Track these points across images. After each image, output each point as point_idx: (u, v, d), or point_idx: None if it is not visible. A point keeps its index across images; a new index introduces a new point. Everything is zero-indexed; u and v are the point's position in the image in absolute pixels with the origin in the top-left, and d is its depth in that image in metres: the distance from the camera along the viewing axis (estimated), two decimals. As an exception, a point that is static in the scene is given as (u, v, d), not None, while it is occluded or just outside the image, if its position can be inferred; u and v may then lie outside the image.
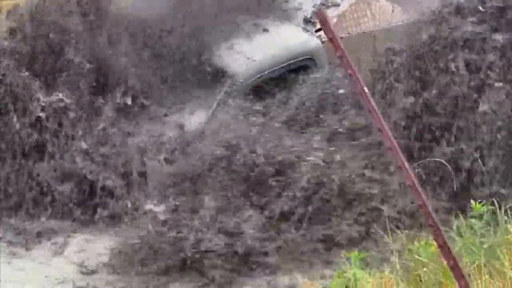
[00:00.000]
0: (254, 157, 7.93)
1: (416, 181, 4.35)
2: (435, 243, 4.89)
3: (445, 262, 5.37)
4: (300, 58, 8.96)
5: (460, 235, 6.18)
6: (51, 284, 7.42)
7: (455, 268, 4.35)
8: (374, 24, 9.67)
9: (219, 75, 9.09)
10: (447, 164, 8.94)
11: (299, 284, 6.82)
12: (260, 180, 7.84)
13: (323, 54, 8.99)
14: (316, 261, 7.58)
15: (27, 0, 8.96)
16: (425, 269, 5.84)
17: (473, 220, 6.22)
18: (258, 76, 8.80)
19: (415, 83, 8.32)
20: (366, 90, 4.43)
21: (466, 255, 5.81)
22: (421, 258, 5.90)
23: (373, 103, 4.43)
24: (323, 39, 8.90)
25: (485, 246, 5.86)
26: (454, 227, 6.42)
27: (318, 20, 4.47)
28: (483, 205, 6.24)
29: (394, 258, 6.11)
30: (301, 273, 7.40)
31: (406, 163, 4.36)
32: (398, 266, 6.03)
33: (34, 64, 8.48)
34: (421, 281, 5.86)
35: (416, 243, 6.10)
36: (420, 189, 4.35)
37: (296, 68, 9.02)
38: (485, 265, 5.60)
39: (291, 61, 8.94)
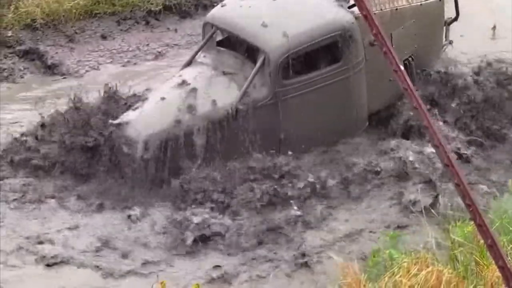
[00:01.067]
0: None
1: (453, 160, 4.29)
2: (472, 222, 4.85)
3: (482, 242, 5.33)
4: (333, 34, 8.90)
5: (498, 215, 6.10)
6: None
7: (493, 247, 4.29)
8: (406, 1, 9.58)
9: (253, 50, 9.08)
10: (484, 142, 8.92)
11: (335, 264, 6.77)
12: None
13: (356, 30, 8.92)
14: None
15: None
16: (461, 248, 5.78)
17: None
18: (291, 52, 8.75)
19: None
20: (402, 68, 4.38)
21: (503, 235, 5.74)
22: (457, 238, 5.84)
23: (409, 81, 4.38)
24: (356, 15, 8.82)
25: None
26: (492, 207, 6.35)
27: (352, -2, 4.41)
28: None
29: (430, 238, 6.05)
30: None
31: (443, 142, 4.31)
32: (434, 246, 5.98)
33: None
34: (457, 260, 5.80)
35: (452, 222, 6.04)
36: (457, 168, 4.29)
37: (329, 44, 8.98)
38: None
39: (324, 37, 8.87)
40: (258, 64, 8.73)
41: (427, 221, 6.73)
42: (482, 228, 4.28)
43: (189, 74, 9.09)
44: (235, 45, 9.27)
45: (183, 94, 8.78)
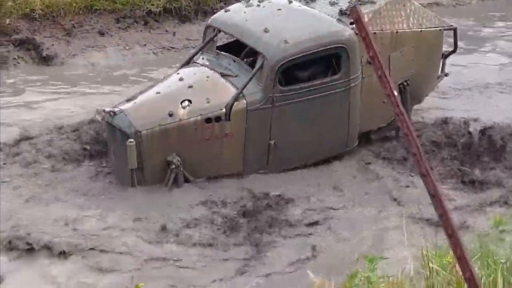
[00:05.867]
0: None
1: (438, 190, 4.27)
2: (451, 252, 4.83)
3: (460, 273, 5.31)
4: (333, 46, 8.92)
5: (478, 246, 6.09)
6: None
7: (471, 281, 4.28)
8: (407, 25, 9.59)
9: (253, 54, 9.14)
10: (470, 171, 8.95)
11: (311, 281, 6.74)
12: None
13: (356, 45, 8.93)
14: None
15: None
16: (439, 278, 5.76)
17: (492, 232, 6.15)
18: (290, 59, 8.77)
19: None
20: (396, 94, 4.36)
21: (482, 267, 5.73)
22: (435, 267, 5.82)
23: (401, 107, 4.36)
24: (356, 31, 8.84)
25: (502, 260, 5.77)
26: (472, 238, 6.34)
27: (352, 17, 4.39)
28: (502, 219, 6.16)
29: (409, 264, 6.03)
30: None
31: (430, 171, 4.29)
32: (411, 273, 5.96)
33: None
34: (434, 289, 5.78)
35: (433, 250, 6.01)
36: (441, 199, 4.27)
37: (328, 55, 9.00)
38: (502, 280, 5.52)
39: (324, 48, 8.90)
40: (256, 67, 8.75)
41: (407, 246, 6.71)
42: (461, 260, 4.27)
43: (186, 72, 9.14)
44: (235, 53, 9.31)
45: (179, 90, 8.83)
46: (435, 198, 4.24)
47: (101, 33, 12.30)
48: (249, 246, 7.90)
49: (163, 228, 8.01)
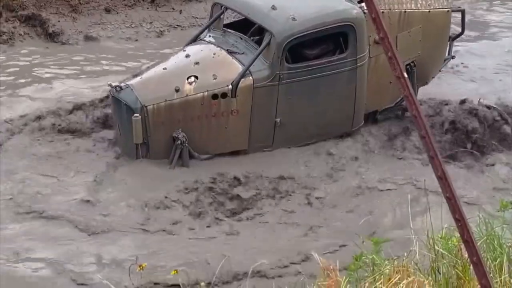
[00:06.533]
0: None
1: (446, 173, 4.24)
2: (457, 235, 4.81)
3: (465, 256, 5.29)
4: (341, 24, 8.87)
5: (484, 230, 6.06)
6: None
7: (478, 265, 4.25)
8: (415, 5, 9.53)
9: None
10: (478, 154, 8.93)
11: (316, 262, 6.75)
12: None
13: (364, 24, 8.89)
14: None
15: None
16: (444, 261, 5.74)
17: (498, 216, 6.11)
18: (297, 36, 8.72)
19: None
20: (405, 75, 4.32)
21: (488, 251, 5.71)
22: (441, 250, 5.80)
23: (411, 89, 4.32)
24: (364, 10, 8.81)
25: (509, 244, 5.75)
26: (478, 221, 6.30)
27: (362, -2, 4.35)
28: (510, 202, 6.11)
29: (415, 247, 6.01)
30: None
31: (438, 153, 4.26)
32: (417, 255, 5.93)
33: None
34: (439, 272, 5.76)
35: (439, 233, 5.99)
36: (449, 182, 4.24)
37: (336, 33, 8.95)
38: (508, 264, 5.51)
39: (332, 25, 8.85)
40: (263, 44, 8.73)
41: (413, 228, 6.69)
42: (469, 244, 4.24)
43: (193, 49, 9.13)
44: (242, 32, 9.27)
45: (185, 66, 8.84)
46: (443, 181, 4.21)
47: (107, 10, 12.25)
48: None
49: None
